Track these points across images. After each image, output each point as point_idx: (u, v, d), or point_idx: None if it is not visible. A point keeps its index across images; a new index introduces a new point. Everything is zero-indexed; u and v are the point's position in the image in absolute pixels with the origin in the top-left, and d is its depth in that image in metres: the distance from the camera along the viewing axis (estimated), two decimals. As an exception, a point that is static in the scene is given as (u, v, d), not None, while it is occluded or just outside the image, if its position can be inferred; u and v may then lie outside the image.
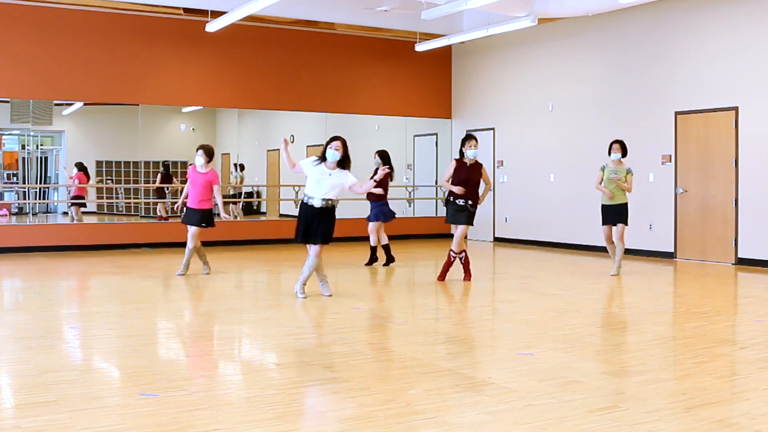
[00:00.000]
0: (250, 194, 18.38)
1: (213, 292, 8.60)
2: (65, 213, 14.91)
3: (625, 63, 12.63)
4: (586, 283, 9.27)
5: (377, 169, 10.44)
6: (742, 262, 10.95)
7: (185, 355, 5.62)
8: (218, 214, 9.85)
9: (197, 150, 9.61)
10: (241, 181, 16.74)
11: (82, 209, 14.97)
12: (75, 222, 14.31)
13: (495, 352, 5.60)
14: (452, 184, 8.89)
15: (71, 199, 14.82)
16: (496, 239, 15.33)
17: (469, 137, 9.08)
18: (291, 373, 4.94)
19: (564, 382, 4.57)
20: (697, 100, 11.53)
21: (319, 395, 4.35)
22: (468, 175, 8.93)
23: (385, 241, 10.70)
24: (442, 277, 9.18)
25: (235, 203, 16.64)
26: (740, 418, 3.92)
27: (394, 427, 3.76)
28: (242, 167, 16.71)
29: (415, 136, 16.85)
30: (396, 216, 10.87)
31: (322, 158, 7.57)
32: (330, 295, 7.86)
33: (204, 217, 9.54)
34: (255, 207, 18.51)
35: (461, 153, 9.01)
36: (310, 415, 4.06)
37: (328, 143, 7.57)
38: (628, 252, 12.27)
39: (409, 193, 16.22)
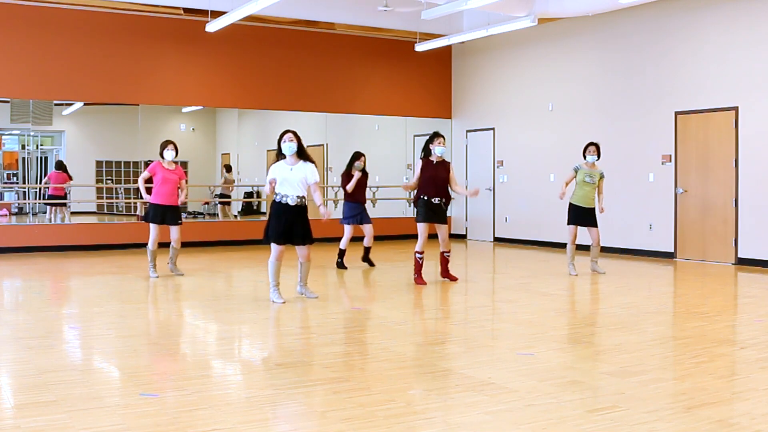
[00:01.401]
0: (249, 194, 18.37)
1: (212, 292, 8.60)
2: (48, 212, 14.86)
3: (625, 63, 12.63)
4: (587, 283, 9.27)
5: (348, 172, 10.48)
6: (742, 262, 10.95)
7: (185, 355, 5.62)
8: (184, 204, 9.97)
9: (168, 145, 9.39)
10: (226, 183, 16.39)
11: (62, 207, 14.83)
12: (55, 222, 14.19)
13: (495, 352, 5.59)
14: (419, 181, 8.74)
15: (48, 198, 14.73)
16: (496, 239, 15.33)
17: (436, 135, 8.89)
18: (291, 373, 4.94)
19: (564, 382, 4.57)
20: (697, 100, 11.53)
21: (319, 395, 4.35)
22: (434, 172, 8.74)
23: (345, 246, 10.49)
24: (421, 279, 8.88)
25: (227, 204, 16.61)
26: (740, 418, 3.92)
27: (394, 427, 3.76)
28: (229, 168, 16.54)
29: (415, 136, 16.84)
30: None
31: (280, 156, 7.42)
32: (316, 297, 7.78)
33: (180, 214, 9.57)
34: (255, 207, 18.50)
35: (428, 151, 8.83)
36: (310, 415, 4.06)
37: (279, 139, 7.40)
38: (629, 252, 12.29)
39: (409, 193, 16.19)
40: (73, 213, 15.27)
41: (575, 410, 4.02)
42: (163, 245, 9.59)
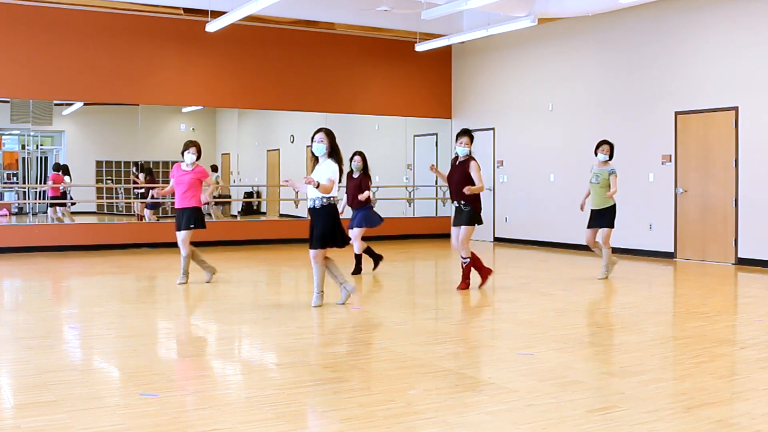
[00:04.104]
0: (249, 194, 18.38)
1: (213, 292, 8.60)
2: (47, 212, 14.97)
3: (625, 63, 12.63)
4: (586, 283, 9.26)
5: (351, 173, 9.68)
6: (742, 262, 10.95)
7: (185, 355, 5.62)
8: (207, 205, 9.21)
9: (188, 147, 8.80)
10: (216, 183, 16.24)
11: (61, 208, 14.84)
12: (55, 223, 14.20)
13: (495, 352, 5.59)
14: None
15: (50, 199, 14.76)
16: (496, 239, 15.33)
17: (459, 133, 8.45)
18: (291, 373, 4.94)
19: (564, 382, 4.57)
20: (697, 100, 11.53)
21: (319, 395, 4.35)
22: (452, 174, 8.40)
23: (363, 248, 9.70)
24: (466, 284, 8.51)
25: (227, 204, 16.60)
26: (740, 418, 3.92)
27: (394, 427, 3.76)
28: (215, 168, 16.41)
29: (415, 136, 16.85)
30: (383, 220, 9.89)
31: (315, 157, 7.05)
32: (342, 304, 7.37)
33: (192, 218, 8.79)
34: (255, 207, 18.51)
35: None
36: (310, 415, 4.06)
37: (312, 138, 7.04)
38: (629, 252, 12.28)
39: (409, 193, 16.22)
40: (73, 213, 15.30)
41: (575, 410, 4.02)
42: (174, 245, 9.53)
